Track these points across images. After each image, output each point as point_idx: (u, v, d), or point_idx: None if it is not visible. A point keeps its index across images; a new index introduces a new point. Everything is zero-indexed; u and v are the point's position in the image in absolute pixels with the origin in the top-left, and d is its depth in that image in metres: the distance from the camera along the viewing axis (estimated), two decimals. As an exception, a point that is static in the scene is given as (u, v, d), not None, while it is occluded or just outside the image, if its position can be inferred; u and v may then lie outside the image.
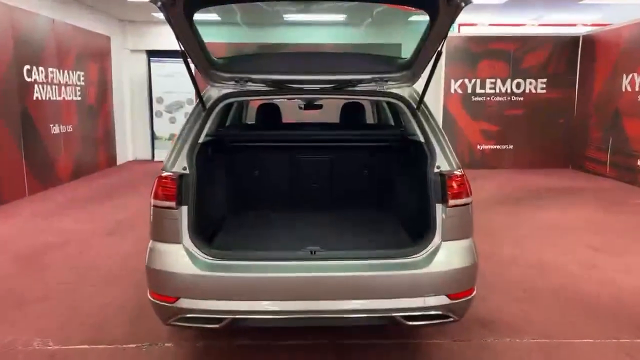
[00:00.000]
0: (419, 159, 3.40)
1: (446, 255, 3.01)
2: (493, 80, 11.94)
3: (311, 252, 3.06)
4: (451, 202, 3.03)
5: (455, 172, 3.12)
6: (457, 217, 3.06)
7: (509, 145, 12.04)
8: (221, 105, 3.40)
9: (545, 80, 11.85)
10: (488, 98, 11.96)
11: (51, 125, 9.50)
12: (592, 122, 11.28)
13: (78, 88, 10.54)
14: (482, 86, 11.91)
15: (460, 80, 11.86)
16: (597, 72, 11.10)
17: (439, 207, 3.08)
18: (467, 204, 3.09)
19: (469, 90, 11.89)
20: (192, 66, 3.18)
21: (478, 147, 12.08)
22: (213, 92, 3.48)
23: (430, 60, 3.23)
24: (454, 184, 3.05)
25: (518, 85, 11.90)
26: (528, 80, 11.88)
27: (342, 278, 2.92)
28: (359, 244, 3.54)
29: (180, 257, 2.96)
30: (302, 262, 3.00)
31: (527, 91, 11.91)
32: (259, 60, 3.52)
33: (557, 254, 5.64)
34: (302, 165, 4.59)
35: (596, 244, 5.96)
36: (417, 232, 3.49)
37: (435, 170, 3.14)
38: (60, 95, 9.80)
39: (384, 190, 4.64)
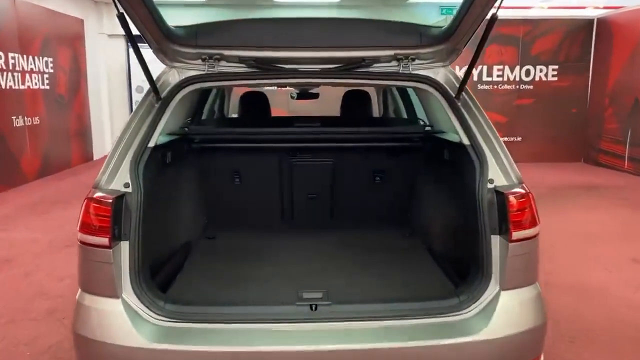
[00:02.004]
0: (459, 167, 2.50)
1: (508, 312, 2.12)
2: (501, 67, 11.05)
3: (311, 307, 2.14)
4: (515, 234, 2.12)
5: (517, 189, 2.20)
6: (523, 256, 2.15)
7: (517, 137, 11.14)
8: (182, 94, 2.45)
9: (556, 67, 10.96)
10: (495, 86, 11.06)
11: (13, 118, 8.49)
12: (608, 113, 10.41)
13: (46, 76, 9.51)
14: (489, 74, 11.01)
15: (465, 67, 10.93)
16: (613, 58, 10.21)
17: (495, 241, 2.17)
18: (535, 235, 2.18)
19: (475, 78, 10.97)
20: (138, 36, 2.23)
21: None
22: (171, 76, 2.53)
23: (477, 27, 2.30)
24: (519, 209, 2.13)
25: (527, 73, 11.02)
26: (538, 67, 10.99)
27: (358, 353, 1.99)
28: (378, 289, 2.60)
29: (118, 320, 2.04)
30: (299, 325, 2.08)
31: (537, 79, 11.02)
32: (236, 30, 2.53)
33: (598, 270, 4.77)
34: (296, 171, 3.63)
35: (640, 256, 5.10)
36: (454, 266, 2.58)
37: (489, 185, 2.22)
38: (24, 84, 8.77)
39: (402, 204, 3.71)
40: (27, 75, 8.88)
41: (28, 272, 4.73)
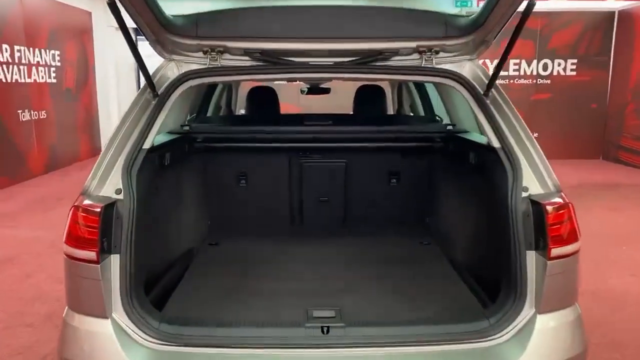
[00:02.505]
0: (487, 172, 2.26)
1: (545, 338, 1.89)
2: (517, 61, 10.73)
3: (323, 330, 1.93)
4: (555, 251, 1.89)
5: (555, 198, 1.96)
6: (562, 275, 1.92)
7: (533, 133, 10.72)
8: (181, 89, 2.24)
9: (575, 61, 10.61)
10: (511, 81, 10.74)
11: (19, 112, 8.34)
12: (630, 109, 10.07)
13: (53, 69, 9.36)
14: (505, 68, 10.67)
15: (480, 61, 10.60)
16: (635, 52, 9.85)
17: (531, 257, 1.94)
18: (576, 251, 1.94)
19: (490, 72, 10.64)
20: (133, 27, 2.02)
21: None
22: (169, 70, 2.31)
23: (510, 17, 2.06)
24: (558, 221, 1.89)
25: (545, 67, 10.69)
26: (556, 61, 10.65)
27: None
28: (397, 308, 2.36)
29: (106, 343, 1.85)
30: (309, 351, 1.87)
31: (555, 73, 10.69)
32: (241, 19, 2.31)
33: (622, 274, 4.51)
34: (306, 173, 3.40)
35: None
36: (480, 282, 2.35)
37: (523, 194, 1.98)
38: (30, 77, 8.62)
39: (420, 209, 3.47)
40: (34, 69, 8.73)
41: (29, 273, 4.57)
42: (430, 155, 3.33)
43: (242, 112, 5.09)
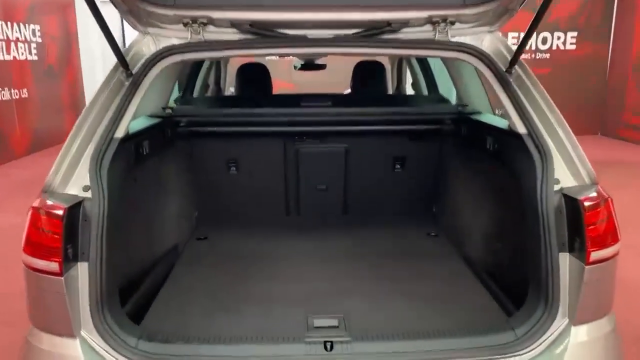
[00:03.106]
0: (510, 162, 2.01)
1: (581, 352, 1.65)
2: (515, 34, 10.37)
3: (326, 347, 1.69)
4: (595, 254, 1.64)
5: (592, 192, 1.71)
6: (601, 281, 1.68)
7: (532, 110, 10.58)
8: (159, 68, 1.95)
9: (575, 34, 10.30)
10: (510, 55, 10.40)
11: (-1, 90, 7.96)
12: (631, 83, 9.80)
13: (33, 45, 8.93)
14: (503, 42, 10.35)
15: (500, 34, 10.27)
16: (637, 25, 9.55)
17: (565, 260, 1.69)
18: (616, 254, 1.70)
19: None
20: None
21: (497, 112, 10.61)
22: (145, 46, 2.01)
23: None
24: (598, 220, 1.64)
25: (544, 41, 10.37)
26: (556, 35, 10.33)
27: None
28: (409, 316, 2.12)
29: None
30: None
31: (555, 47, 10.38)
32: None
33: (636, 261, 4.29)
34: (302, 159, 3.12)
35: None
36: (501, 283, 2.12)
37: (555, 187, 1.73)
38: (9, 54, 8.20)
39: (427, 198, 3.22)
40: (13, 45, 8.30)
41: (8, 266, 4.28)
42: (440, 139, 3.06)
43: (232, 90, 4.76)
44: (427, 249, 2.81)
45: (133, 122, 2.40)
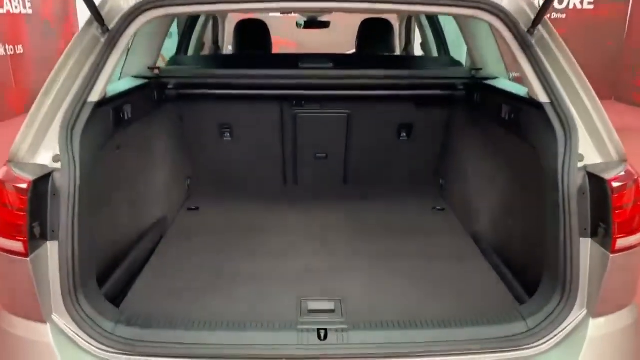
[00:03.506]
0: (528, 133, 1.82)
1: (600, 347, 1.50)
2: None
3: (320, 336, 1.54)
4: (621, 242, 1.47)
5: (621, 171, 1.52)
6: (626, 270, 1.51)
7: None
8: (139, 24, 1.72)
9: (593, -8, 9.84)
10: (524, 15, 9.99)
11: (-8, 45, 7.70)
12: (650, 46, 9.42)
13: (27, -1, 8.58)
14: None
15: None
16: (660, -16, 9.10)
17: (586, 247, 1.52)
18: None
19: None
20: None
21: (511, 77, 10.27)
22: None
23: None
24: (628, 202, 1.46)
25: (560, 0, 9.91)
26: (573, -7, 9.87)
27: None
28: (410, 300, 1.95)
29: (45, 354, 1.45)
30: None
31: (571, 7, 9.92)
32: None
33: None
34: (301, 125, 2.92)
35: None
36: (513, 266, 1.96)
37: (579, 165, 1.55)
38: (2, 7, 7.88)
39: (433, 169, 3.03)
40: (6, -2, 7.99)
41: None
42: (450, 106, 2.83)
43: (231, 48, 4.50)
44: (432, 224, 2.64)
45: (114, 83, 2.20)
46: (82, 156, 1.59)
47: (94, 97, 1.67)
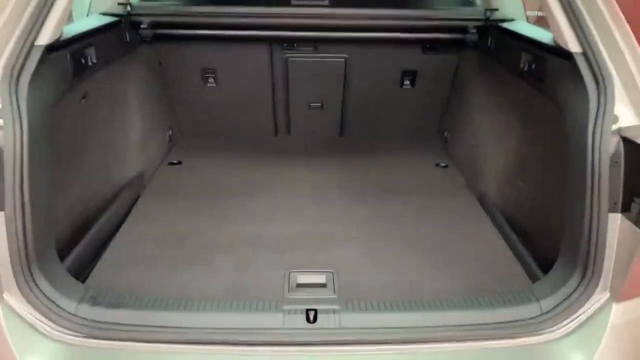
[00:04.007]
0: (552, 87, 1.59)
1: (623, 335, 1.34)
2: None
3: (309, 318, 1.37)
4: None
5: None
6: None
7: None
8: None
9: None
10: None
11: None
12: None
13: None
14: None
15: None
16: None
17: (614, 222, 1.33)
18: None
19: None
20: None
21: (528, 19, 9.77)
22: None
23: None
24: None
25: None
26: None
27: None
28: (409, 274, 1.74)
29: None
30: (286, 350, 1.32)
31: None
32: None
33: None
34: (293, 70, 2.63)
35: None
36: (524, 237, 1.77)
37: (612, 127, 1.32)
38: None
39: (438, 121, 2.78)
40: None
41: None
42: (459, 52, 2.54)
43: None
44: (435, 182, 2.42)
45: (75, 23, 1.91)
46: (32, 110, 1.35)
47: (44, 39, 1.40)
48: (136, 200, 2.17)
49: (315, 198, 2.22)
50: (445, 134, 2.74)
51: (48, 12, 1.40)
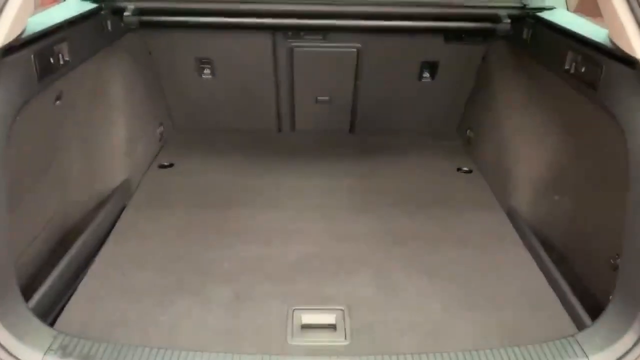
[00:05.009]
0: (605, 94, 1.37)
1: None
2: None
3: None
4: None
5: None
6: None
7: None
8: None
9: None
10: None
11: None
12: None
13: None
14: None
15: None
16: None
17: None
18: None
19: None
20: None
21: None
22: None
23: None
24: None
25: None
26: None
27: None
28: (435, 307, 1.52)
29: None
30: None
31: None
32: None
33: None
34: (299, 61, 2.35)
35: None
36: (557, 256, 1.56)
37: None
38: None
39: (461, 119, 2.50)
40: None
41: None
42: (487, 42, 2.25)
43: None
44: (457, 191, 2.16)
45: (43, 13, 1.65)
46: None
47: (19, 33, 1.16)
48: (121, 212, 1.93)
49: (322, 212, 1.97)
50: (468, 133, 2.47)
51: (3, 6, 1.15)
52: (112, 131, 2.01)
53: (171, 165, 2.28)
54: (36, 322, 1.27)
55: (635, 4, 1.19)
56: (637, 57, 1.22)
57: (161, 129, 2.43)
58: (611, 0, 1.23)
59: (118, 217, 1.89)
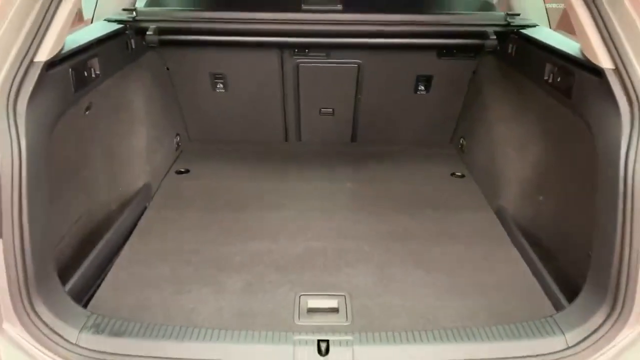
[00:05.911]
0: (578, 102, 1.53)
1: None
2: None
3: (320, 350, 1.31)
4: None
5: None
6: None
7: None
8: None
9: None
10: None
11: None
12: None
13: None
14: None
15: None
16: None
17: None
18: None
19: None
20: None
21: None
22: None
23: None
24: None
25: None
26: None
27: None
28: (428, 297, 1.67)
29: None
30: None
31: None
32: None
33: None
34: (304, 76, 2.56)
35: None
36: (546, 256, 1.70)
37: None
38: None
39: (454, 128, 2.71)
40: None
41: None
42: (477, 58, 2.45)
43: None
44: (450, 194, 2.34)
45: (77, 32, 1.84)
46: (31, 131, 1.28)
47: (43, 55, 1.33)
48: (143, 212, 2.12)
49: (326, 212, 2.15)
50: (461, 142, 2.65)
51: (48, 26, 1.33)
52: (134, 140, 2.20)
53: (187, 171, 2.48)
54: (72, 304, 1.43)
55: (600, 21, 1.36)
56: (602, 67, 1.39)
57: (178, 138, 2.62)
58: (580, 18, 1.41)
59: (140, 216, 2.08)
